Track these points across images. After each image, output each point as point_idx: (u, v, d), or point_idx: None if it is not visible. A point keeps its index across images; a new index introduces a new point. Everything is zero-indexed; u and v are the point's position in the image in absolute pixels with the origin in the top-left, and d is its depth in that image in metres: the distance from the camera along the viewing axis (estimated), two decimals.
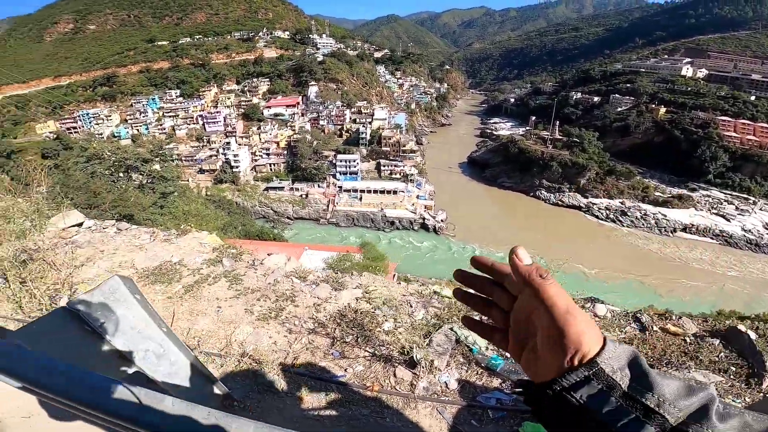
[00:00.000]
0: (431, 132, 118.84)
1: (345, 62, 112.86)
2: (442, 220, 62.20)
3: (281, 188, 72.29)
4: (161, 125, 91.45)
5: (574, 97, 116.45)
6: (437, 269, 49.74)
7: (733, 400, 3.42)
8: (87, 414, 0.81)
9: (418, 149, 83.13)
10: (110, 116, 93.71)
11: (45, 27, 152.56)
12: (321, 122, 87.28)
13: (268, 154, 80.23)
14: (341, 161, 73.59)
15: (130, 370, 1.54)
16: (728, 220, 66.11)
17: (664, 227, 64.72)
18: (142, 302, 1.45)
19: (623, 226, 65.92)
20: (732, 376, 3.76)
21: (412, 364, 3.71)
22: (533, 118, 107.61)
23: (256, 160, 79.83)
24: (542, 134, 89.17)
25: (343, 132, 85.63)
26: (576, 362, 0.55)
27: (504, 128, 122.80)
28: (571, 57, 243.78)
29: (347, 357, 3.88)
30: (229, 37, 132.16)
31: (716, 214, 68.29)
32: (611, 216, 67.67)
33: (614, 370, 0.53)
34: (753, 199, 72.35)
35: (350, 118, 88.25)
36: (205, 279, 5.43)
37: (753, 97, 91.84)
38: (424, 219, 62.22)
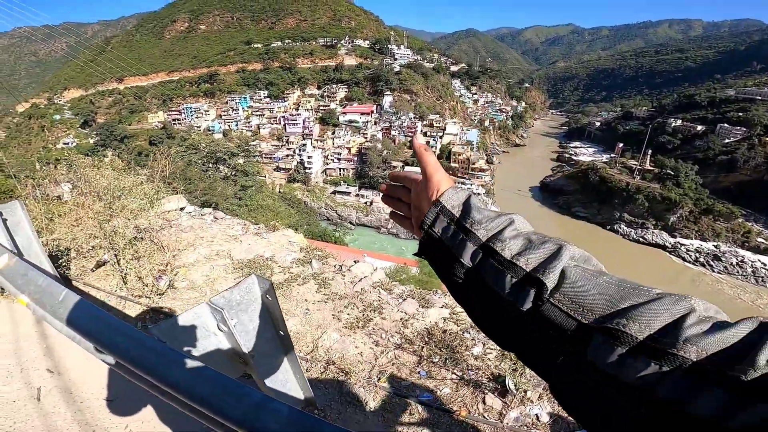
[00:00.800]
0: (504, 152, 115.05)
1: (421, 74, 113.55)
2: None
3: (348, 193, 74.76)
4: (249, 123, 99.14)
5: (673, 124, 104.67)
6: None
7: None
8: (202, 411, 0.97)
9: (488, 168, 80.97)
10: (208, 111, 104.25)
11: (166, 25, 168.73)
12: (393, 132, 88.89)
13: (339, 159, 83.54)
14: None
15: (244, 371, 1.88)
16: None
17: (762, 276, 55.72)
18: (272, 304, 1.55)
19: (713, 271, 58.01)
20: None
21: (502, 392, 3.59)
22: (620, 144, 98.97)
23: (327, 164, 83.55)
24: (629, 163, 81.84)
25: None
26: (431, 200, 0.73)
27: (585, 154, 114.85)
28: (672, 80, 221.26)
29: (434, 378, 3.78)
30: (314, 42, 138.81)
31: None
32: (701, 259, 59.89)
33: (453, 207, 0.69)
34: None
35: (421, 131, 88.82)
36: (295, 279, 5.60)
37: None
38: None
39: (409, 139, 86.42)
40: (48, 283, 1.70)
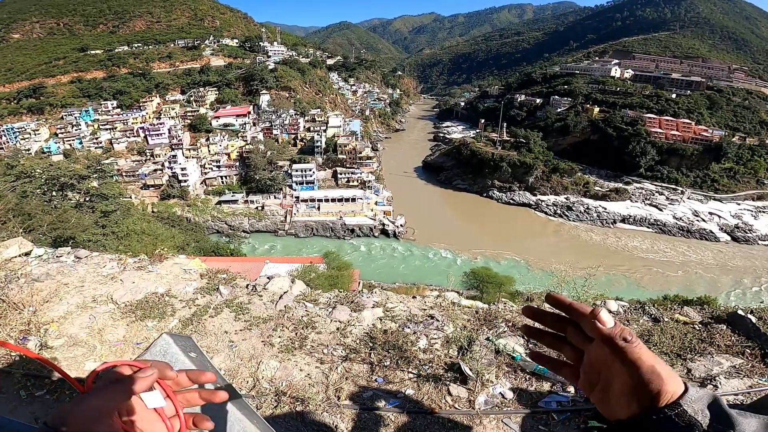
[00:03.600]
0: (386, 138, 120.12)
1: (297, 70, 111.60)
2: (401, 225, 62.92)
3: (235, 201, 69.79)
4: (97, 139, 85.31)
5: (519, 99, 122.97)
6: (402, 274, 50.37)
7: (759, 380, 3.69)
8: None
9: (374, 156, 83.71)
10: (38, 130, 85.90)
11: None
12: (274, 132, 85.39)
13: (218, 167, 77.26)
14: (297, 171, 72.36)
15: None
16: (660, 210, 72.54)
17: (605, 219, 69.70)
18: (198, 360, 1.35)
19: (570, 220, 70.21)
20: (749, 357, 4.01)
21: (463, 380, 3.63)
22: (482, 120, 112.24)
23: (206, 173, 76.47)
24: (492, 136, 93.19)
25: (298, 141, 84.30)
26: (658, 405, 0.61)
27: (456, 131, 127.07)
28: (514, 60, 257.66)
29: (392, 381, 3.70)
30: (172, 45, 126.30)
31: (650, 204, 74.69)
32: (558, 212, 71.89)
33: (695, 411, 0.58)
34: (681, 189, 79.96)
35: (304, 127, 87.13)
36: (205, 311, 5.03)
37: (674, 95, 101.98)
38: (383, 225, 62.61)
39: (293, 136, 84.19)
40: None
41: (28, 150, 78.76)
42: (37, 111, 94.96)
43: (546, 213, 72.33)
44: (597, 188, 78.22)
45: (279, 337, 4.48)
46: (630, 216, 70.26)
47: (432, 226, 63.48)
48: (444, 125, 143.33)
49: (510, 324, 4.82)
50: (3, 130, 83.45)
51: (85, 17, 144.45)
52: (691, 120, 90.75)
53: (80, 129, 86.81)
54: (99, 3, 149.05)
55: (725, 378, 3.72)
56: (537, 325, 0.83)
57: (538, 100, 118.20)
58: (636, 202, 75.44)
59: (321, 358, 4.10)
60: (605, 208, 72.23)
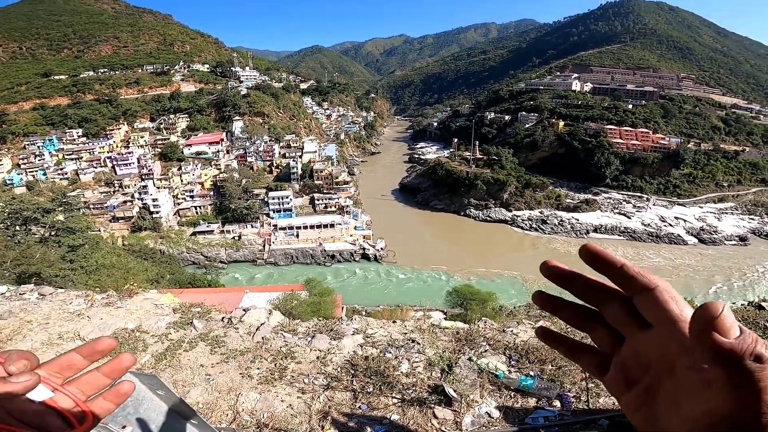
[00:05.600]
0: (362, 161, 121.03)
1: (270, 95, 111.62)
2: (381, 248, 62.90)
3: (210, 232, 68.17)
4: (61, 169, 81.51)
5: (489, 117, 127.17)
6: (385, 296, 49.92)
7: None
8: None
9: (351, 180, 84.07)
10: (0, 161, 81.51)
11: None
12: (249, 159, 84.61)
13: (192, 197, 75.54)
14: (273, 199, 71.61)
15: None
16: (629, 218, 75.68)
17: (579, 230, 71.98)
18: (167, 397, 1.31)
19: (545, 233, 72.10)
20: None
21: (447, 401, 3.62)
22: (455, 140, 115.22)
23: (179, 204, 74.57)
24: (465, 155, 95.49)
25: (273, 168, 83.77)
26: None
27: (430, 152, 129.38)
28: (482, 79, 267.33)
29: (376, 408, 3.67)
30: (140, 70, 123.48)
31: (618, 213, 77.87)
32: (534, 225, 73.78)
33: None
34: (646, 196, 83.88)
35: (280, 153, 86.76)
36: (179, 345, 4.98)
37: (630, 106, 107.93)
38: (364, 249, 62.43)
39: (268, 163, 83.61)
40: None
41: None
42: None
43: (522, 228, 74.05)
44: (568, 200, 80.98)
45: (258, 368, 4.45)
46: (601, 225, 72.91)
47: (412, 247, 63.77)
48: (418, 146, 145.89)
49: (491, 342, 4.91)
50: None
51: (49, 41, 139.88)
52: (649, 129, 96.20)
53: (44, 159, 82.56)
54: (63, 27, 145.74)
55: None
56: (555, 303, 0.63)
57: (506, 117, 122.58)
58: (606, 211, 78.48)
59: (302, 388, 4.08)
60: (578, 220, 74.71)
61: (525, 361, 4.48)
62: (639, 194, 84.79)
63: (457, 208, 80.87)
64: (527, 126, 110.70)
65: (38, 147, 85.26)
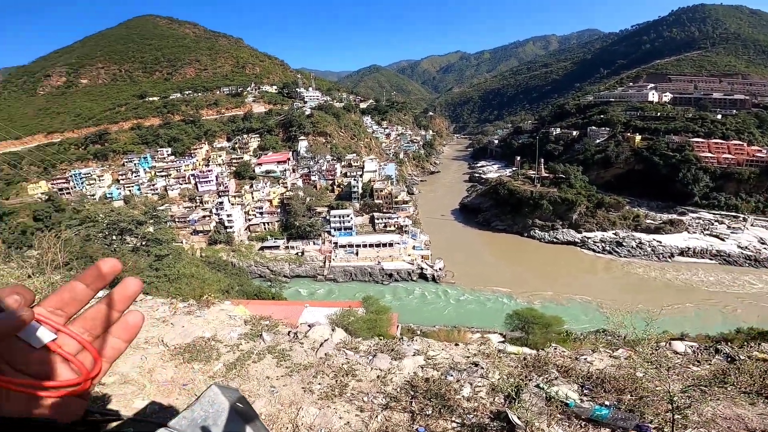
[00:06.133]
0: (421, 181, 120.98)
1: (332, 114, 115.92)
2: (440, 269, 61.91)
3: (276, 247, 71.97)
4: (153, 185, 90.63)
5: (554, 132, 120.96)
6: (443, 317, 48.95)
7: None
8: None
9: (410, 199, 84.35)
10: (102, 176, 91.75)
11: (39, 80, 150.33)
12: (312, 177, 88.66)
13: (261, 213, 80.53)
14: (335, 217, 74.06)
15: None
16: (722, 240, 67.10)
17: (661, 253, 65.12)
18: (246, 413, 1.41)
19: (620, 256, 66.17)
20: None
21: (510, 429, 3.49)
22: (518, 158, 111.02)
23: (249, 220, 79.96)
24: (529, 173, 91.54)
25: (335, 186, 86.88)
26: None
27: (491, 171, 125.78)
28: (545, 93, 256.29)
29: (434, 431, 3.60)
30: (218, 92, 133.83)
31: (710, 234, 69.44)
32: (607, 248, 68.09)
33: None
34: (742, 216, 73.89)
35: (341, 172, 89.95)
36: (248, 356, 5.18)
37: (719, 116, 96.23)
38: (422, 269, 61.93)
39: (330, 182, 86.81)
40: None
41: (93, 195, 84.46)
42: (101, 157, 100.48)
43: (594, 250, 68.64)
44: (648, 221, 73.80)
45: (319, 384, 4.49)
46: (689, 248, 65.45)
47: (472, 268, 61.94)
48: (479, 165, 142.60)
49: (563, 370, 4.61)
50: (71, 176, 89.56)
51: (144, 64, 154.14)
52: (743, 141, 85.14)
53: (139, 176, 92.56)
54: (154, 50, 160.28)
55: None
56: None
57: (574, 133, 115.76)
58: (694, 233, 70.35)
59: (361, 406, 4.04)
60: (660, 242, 67.69)
61: (600, 390, 4.18)
62: (734, 213, 74.99)
63: (520, 229, 77.28)
64: (598, 141, 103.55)
65: (134, 164, 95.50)
